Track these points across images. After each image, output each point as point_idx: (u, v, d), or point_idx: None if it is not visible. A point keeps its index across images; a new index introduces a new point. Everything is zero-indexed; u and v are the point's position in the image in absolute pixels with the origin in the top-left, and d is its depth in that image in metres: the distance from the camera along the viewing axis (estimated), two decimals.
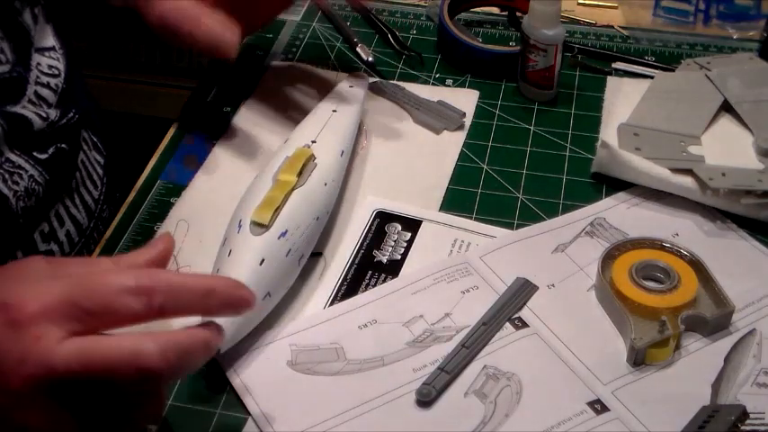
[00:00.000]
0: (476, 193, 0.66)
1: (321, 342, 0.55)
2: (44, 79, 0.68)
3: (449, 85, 0.76)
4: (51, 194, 0.66)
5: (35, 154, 0.64)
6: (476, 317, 0.56)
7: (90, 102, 0.78)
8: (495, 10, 0.84)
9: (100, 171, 0.74)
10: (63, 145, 0.67)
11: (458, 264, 0.60)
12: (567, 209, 0.64)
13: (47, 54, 0.69)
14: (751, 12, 0.81)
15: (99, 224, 0.71)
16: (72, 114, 0.68)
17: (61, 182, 0.68)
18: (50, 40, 0.69)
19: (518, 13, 0.81)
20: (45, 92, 0.67)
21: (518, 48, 0.73)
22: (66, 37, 0.73)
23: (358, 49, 0.79)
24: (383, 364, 0.54)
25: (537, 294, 0.58)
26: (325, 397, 0.52)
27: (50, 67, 0.68)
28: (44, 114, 0.65)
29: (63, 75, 0.69)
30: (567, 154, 0.70)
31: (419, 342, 0.55)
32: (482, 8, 0.84)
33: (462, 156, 0.69)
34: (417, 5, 0.86)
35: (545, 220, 0.64)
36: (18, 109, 0.63)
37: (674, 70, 0.75)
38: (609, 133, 0.69)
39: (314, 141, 0.63)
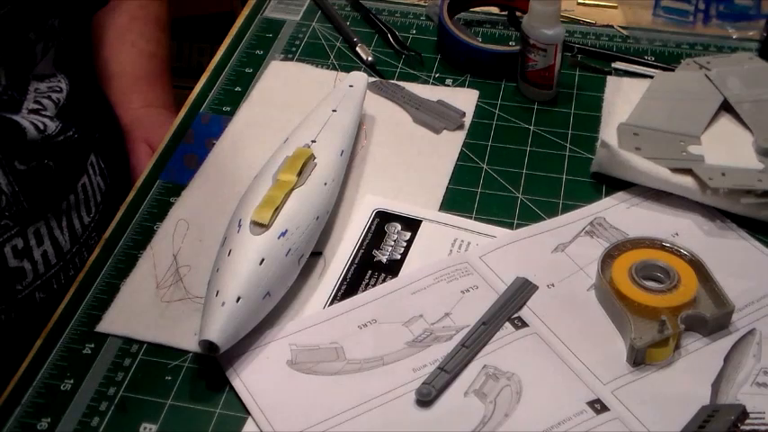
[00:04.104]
0: (476, 192, 0.66)
1: (321, 342, 0.55)
2: (44, 94, 0.68)
3: (448, 85, 0.76)
4: (32, 211, 0.65)
5: (15, 164, 0.64)
6: (476, 316, 0.56)
7: (108, 129, 0.78)
8: (495, 10, 0.84)
9: (99, 197, 0.73)
10: (49, 162, 0.66)
11: (458, 263, 0.60)
12: (566, 209, 0.64)
13: (46, 80, 0.69)
14: (751, 12, 0.81)
15: (83, 250, 0.70)
16: (72, 133, 0.68)
17: (46, 200, 0.67)
18: (51, 69, 0.70)
19: (518, 13, 0.81)
20: (45, 101, 0.67)
21: (518, 47, 0.73)
22: (76, 62, 0.73)
23: (358, 49, 0.79)
24: (383, 364, 0.54)
25: (537, 294, 0.58)
26: (325, 397, 0.52)
27: (50, 87, 0.69)
28: (41, 126, 0.65)
29: (65, 92, 0.69)
30: (567, 154, 0.69)
31: (419, 342, 0.55)
32: (482, 8, 0.84)
33: (462, 156, 0.69)
34: (417, 5, 0.86)
35: (545, 220, 0.63)
36: (14, 116, 0.63)
37: (673, 70, 0.75)
38: (609, 133, 0.69)
39: (314, 141, 0.63)
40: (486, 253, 0.61)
